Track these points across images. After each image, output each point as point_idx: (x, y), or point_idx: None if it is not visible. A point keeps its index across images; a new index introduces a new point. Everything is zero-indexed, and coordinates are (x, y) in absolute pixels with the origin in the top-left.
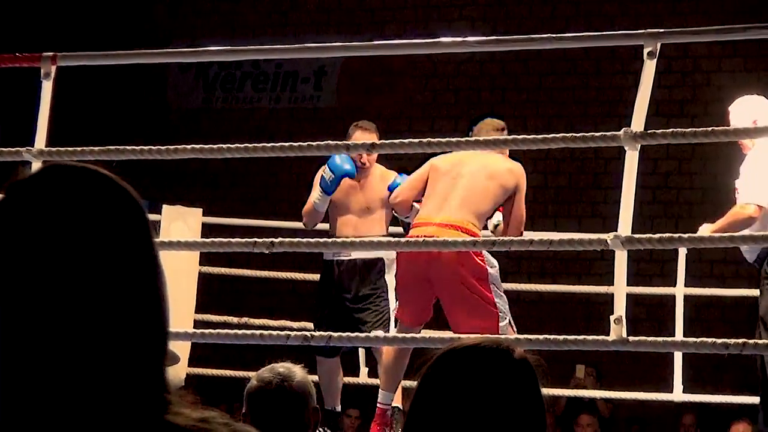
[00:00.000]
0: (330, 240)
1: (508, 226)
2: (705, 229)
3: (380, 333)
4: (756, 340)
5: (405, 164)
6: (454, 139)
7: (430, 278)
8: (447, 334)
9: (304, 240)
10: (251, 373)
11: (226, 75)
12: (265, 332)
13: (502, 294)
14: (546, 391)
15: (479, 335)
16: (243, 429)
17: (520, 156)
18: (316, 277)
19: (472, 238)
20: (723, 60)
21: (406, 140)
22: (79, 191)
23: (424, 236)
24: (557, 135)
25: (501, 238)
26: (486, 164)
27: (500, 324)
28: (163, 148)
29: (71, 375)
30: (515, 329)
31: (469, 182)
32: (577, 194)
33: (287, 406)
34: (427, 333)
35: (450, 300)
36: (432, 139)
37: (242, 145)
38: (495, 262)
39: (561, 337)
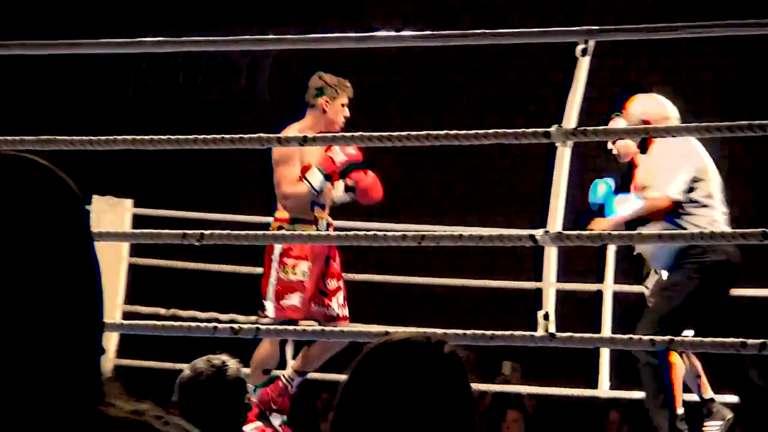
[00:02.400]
0: (261, 233)
1: None
2: (602, 222)
3: (314, 326)
4: (684, 337)
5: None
6: (384, 134)
7: None
8: (378, 328)
9: (234, 233)
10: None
11: (159, 66)
12: (193, 324)
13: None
14: (474, 386)
15: (410, 330)
16: (175, 421)
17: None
18: (248, 269)
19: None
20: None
21: (339, 134)
22: (14, 180)
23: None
24: (489, 131)
25: (432, 233)
26: None
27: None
28: (94, 138)
29: (4, 367)
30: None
31: None
32: (510, 189)
33: (219, 397)
34: (358, 327)
35: None
36: (365, 134)
37: (173, 137)
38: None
39: (489, 333)
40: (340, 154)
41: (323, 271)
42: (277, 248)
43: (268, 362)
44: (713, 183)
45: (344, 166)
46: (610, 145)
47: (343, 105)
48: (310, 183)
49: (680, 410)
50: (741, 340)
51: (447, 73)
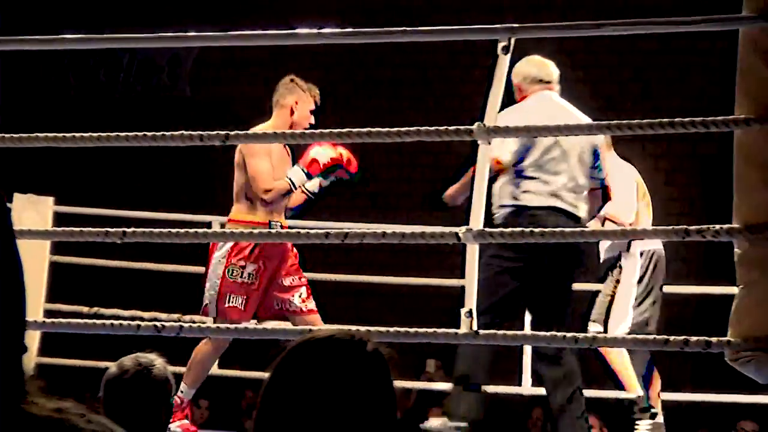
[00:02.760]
0: (183, 231)
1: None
2: None
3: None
4: (602, 334)
5: None
6: (307, 132)
7: None
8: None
9: (156, 230)
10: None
11: (80, 63)
12: (116, 322)
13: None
14: (397, 383)
15: (333, 327)
16: (97, 419)
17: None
18: (172, 267)
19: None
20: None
21: (260, 131)
22: None
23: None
24: (411, 128)
25: (354, 231)
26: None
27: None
28: (7, 136)
29: None
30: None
31: None
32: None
33: (144, 396)
34: (280, 324)
35: None
36: (287, 131)
37: (95, 135)
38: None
39: (412, 330)
40: (326, 156)
41: (278, 271)
42: (224, 248)
43: (206, 362)
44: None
45: (327, 168)
46: None
47: (310, 111)
48: (291, 180)
49: (634, 395)
50: (684, 338)
51: (369, 70)
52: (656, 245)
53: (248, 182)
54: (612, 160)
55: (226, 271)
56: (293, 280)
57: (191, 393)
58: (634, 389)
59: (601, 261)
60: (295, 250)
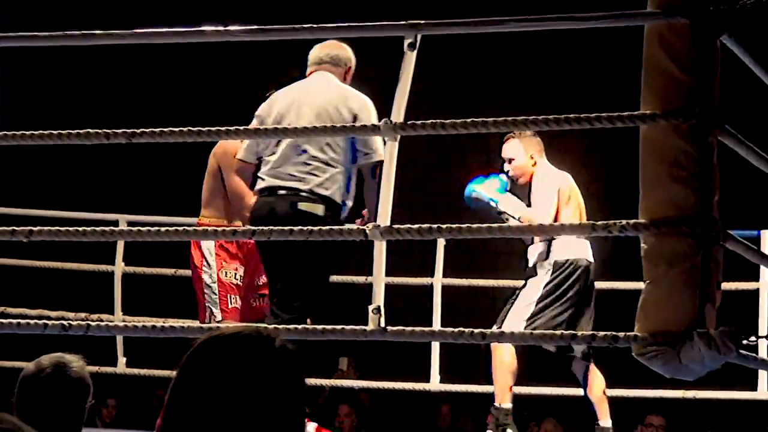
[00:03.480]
0: (90, 229)
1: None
2: None
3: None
4: (508, 329)
5: None
6: (223, 128)
7: None
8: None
9: (63, 229)
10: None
11: None
12: (23, 321)
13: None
14: (310, 381)
15: (241, 324)
16: (7, 419)
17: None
18: (77, 266)
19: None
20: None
21: (167, 129)
22: None
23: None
24: (318, 126)
25: (262, 228)
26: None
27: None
28: None
29: None
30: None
31: None
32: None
33: (58, 395)
34: (189, 323)
35: None
36: (202, 129)
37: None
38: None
39: (320, 327)
40: None
41: (255, 271)
42: (210, 253)
43: None
44: None
45: None
46: (507, 167)
47: None
48: None
49: (506, 405)
50: (592, 333)
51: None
52: (580, 256)
53: (220, 189)
54: (542, 168)
55: (221, 273)
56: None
57: None
58: (504, 399)
59: (528, 267)
60: None
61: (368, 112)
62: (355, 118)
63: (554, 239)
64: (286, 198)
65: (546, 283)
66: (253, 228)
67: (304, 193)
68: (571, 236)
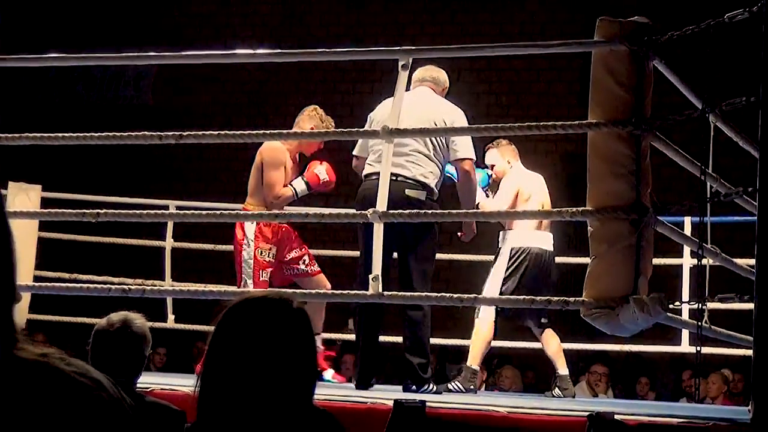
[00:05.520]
0: (145, 212)
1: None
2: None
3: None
4: (496, 296)
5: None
6: (243, 132)
7: None
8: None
9: (124, 212)
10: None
11: (62, 77)
12: (91, 285)
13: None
14: (325, 335)
15: (266, 289)
16: (75, 362)
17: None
18: (136, 241)
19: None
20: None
21: (207, 132)
22: None
23: None
24: (330, 130)
25: (277, 212)
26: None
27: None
28: (4, 135)
29: None
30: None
31: None
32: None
33: (126, 345)
34: (225, 287)
35: None
36: (228, 132)
37: (75, 135)
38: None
39: (330, 291)
40: (325, 175)
41: (284, 250)
42: (251, 235)
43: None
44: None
45: (323, 188)
46: (490, 172)
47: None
48: (295, 190)
49: (475, 366)
50: (547, 298)
51: (295, 83)
52: (533, 244)
53: (262, 183)
54: (514, 170)
55: (257, 252)
56: (297, 251)
57: None
58: (475, 362)
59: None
60: (295, 231)
61: (459, 121)
62: (449, 125)
63: (512, 230)
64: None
65: (506, 263)
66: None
67: (407, 179)
68: (528, 228)
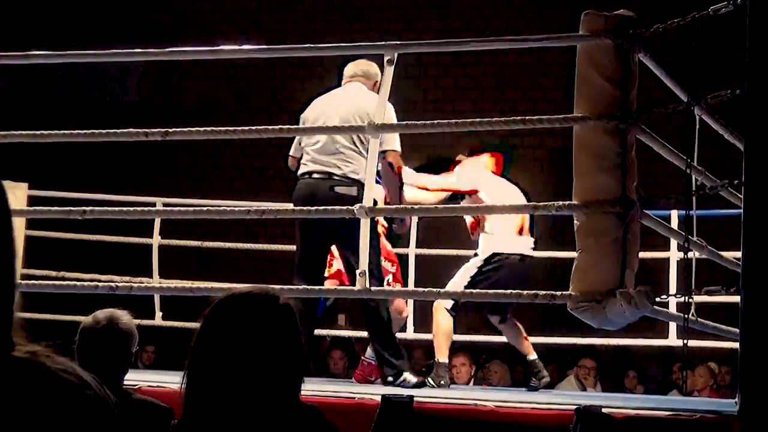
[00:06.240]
0: (132, 209)
1: None
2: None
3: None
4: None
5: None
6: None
7: None
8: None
9: (111, 209)
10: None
11: (48, 75)
12: (78, 283)
13: None
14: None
15: (252, 285)
16: (61, 360)
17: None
18: (123, 238)
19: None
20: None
21: (194, 129)
22: None
23: None
24: (315, 126)
25: (262, 207)
26: None
27: None
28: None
29: None
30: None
31: None
32: None
33: (112, 342)
34: (212, 284)
35: None
36: (216, 128)
37: (61, 132)
38: None
39: (317, 287)
40: None
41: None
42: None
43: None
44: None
45: None
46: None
47: None
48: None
49: (444, 359)
50: (535, 292)
51: (281, 79)
52: (513, 250)
53: None
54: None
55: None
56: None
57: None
58: (441, 354)
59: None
60: None
61: (387, 115)
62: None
63: (493, 234)
64: (324, 182)
65: (480, 264)
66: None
67: (338, 177)
68: (509, 233)
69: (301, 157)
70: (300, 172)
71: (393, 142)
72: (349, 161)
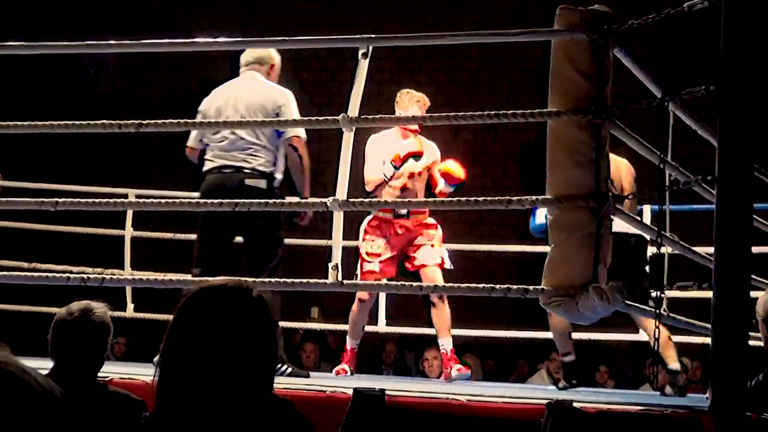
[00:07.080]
0: (104, 200)
1: None
2: None
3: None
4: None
5: None
6: (211, 121)
7: None
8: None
9: (83, 200)
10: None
11: (20, 67)
12: (50, 274)
13: None
14: (285, 324)
15: (225, 278)
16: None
17: None
18: (95, 230)
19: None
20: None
21: (168, 120)
22: None
23: None
24: (286, 119)
25: (234, 200)
26: None
27: None
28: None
29: None
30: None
31: None
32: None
33: (86, 334)
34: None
35: None
36: (189, 120)
37: (34, 123)
38: None
39: (290, 280)
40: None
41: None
42: (361, 230)
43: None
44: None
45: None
46: None
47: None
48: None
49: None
50: (507, 286)
51: None
52: None
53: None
54: None
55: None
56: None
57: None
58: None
59: None
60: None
61: (288, 103)
62: (279, 108)
63: None
64: (234, 175)
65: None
66: (236, 201)
67: (247, 170)
68: None
69: (203, 152)
70: (206, 168)
71: (298, 128)
72: (256, 155)
